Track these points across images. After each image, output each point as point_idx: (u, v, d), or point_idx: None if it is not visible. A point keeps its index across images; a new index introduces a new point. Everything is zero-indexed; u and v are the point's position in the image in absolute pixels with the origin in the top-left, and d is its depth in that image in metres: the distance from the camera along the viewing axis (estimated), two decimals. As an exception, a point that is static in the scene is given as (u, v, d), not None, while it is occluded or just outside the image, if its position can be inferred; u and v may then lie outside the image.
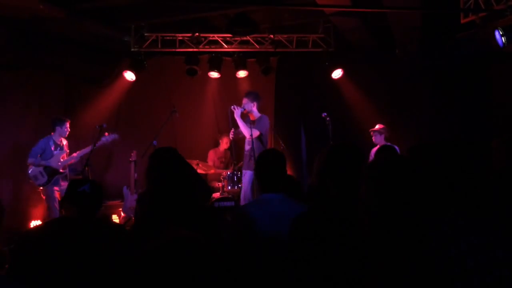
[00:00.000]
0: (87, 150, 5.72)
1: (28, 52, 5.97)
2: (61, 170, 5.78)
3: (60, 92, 7.09)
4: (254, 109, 5.60)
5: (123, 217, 6.40)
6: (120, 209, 6.51)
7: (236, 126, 5.63)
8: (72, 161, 5.89)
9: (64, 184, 5.82)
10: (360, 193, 1.23)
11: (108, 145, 5.98)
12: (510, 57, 5.67)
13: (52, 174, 5.68)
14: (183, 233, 1.00)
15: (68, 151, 6.00)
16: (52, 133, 5.82)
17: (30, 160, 5.62)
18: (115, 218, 6.81)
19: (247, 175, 5.54)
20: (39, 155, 5.64)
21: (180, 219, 2.07)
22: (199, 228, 2.04)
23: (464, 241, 1.27)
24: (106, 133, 5.84)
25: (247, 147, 5.63)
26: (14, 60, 6.20)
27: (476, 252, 1.27)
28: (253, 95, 5.66)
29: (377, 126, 6.42)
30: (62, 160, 5.78)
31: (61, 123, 5.82)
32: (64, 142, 5.96)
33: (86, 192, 2.32)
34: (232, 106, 5.47)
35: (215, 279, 0.94)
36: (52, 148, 5.74)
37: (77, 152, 5.86)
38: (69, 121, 5.94)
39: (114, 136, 5.88)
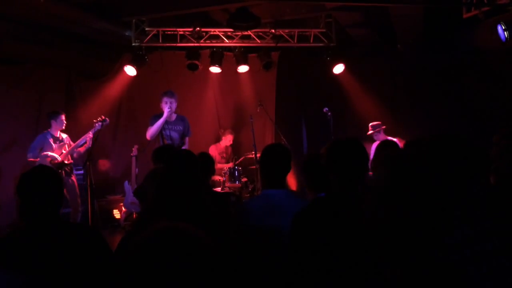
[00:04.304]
0: (85, 138, 5.66)
1: (29, 46, 5.95)
2: (66, 161, 5.75)
3: (60, 86, 7.08)
4: None
5: (124, 212, 6.42)
6: (122, 204, 6.53)
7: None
8: (78, 148, 5.78)
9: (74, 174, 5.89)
10: (366, 196, 1.21)
11: (102, 131, 5.78)
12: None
13: (59, 167, 5.63)
14: (173, 224, 0.93)
15: (68, 143, 5.94)
16: (49, 129, 5.79)
17: (29, 155, 5.56)
18: (116, 213, 6.83)
19: None
20: (38, 150, 5.60)
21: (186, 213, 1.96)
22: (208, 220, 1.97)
23: (477, 246, 1.26)
24: (96, 121, 5.67)
25: None
26: (14, 54, 6.19)
27: (489, 257, 1.25)
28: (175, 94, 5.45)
29: (370, 130, 6.23)
30: (64, 151, 5.75)
31: (56, 116, 5.77)
32: (64, 135, 5.92)
33: None
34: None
35: (211, 275, 0.88)
36: (51, 141, 5.70)
37: (78, 141, 5.77)
38: (64, 114, 5.84)
39: (105, 121, 5.70)
